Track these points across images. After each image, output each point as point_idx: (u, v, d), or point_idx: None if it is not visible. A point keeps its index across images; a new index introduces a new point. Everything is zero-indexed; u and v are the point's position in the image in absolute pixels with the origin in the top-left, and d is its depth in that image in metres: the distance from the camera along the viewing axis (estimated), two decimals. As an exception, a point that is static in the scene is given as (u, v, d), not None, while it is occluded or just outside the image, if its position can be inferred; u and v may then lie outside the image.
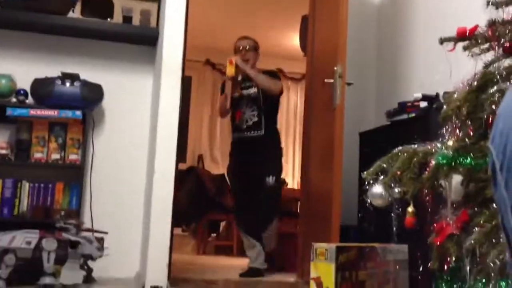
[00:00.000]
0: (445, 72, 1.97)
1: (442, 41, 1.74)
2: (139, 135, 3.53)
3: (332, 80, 3.11)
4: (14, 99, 3.23)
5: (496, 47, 1.56)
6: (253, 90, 3.87)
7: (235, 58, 3.76)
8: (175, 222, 3.10)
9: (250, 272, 3.64)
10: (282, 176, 4.35)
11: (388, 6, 4.06)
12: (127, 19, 3.41)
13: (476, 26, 1.66)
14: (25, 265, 2.69)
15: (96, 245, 2.89)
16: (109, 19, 3.39)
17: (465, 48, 1.70)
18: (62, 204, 3.23)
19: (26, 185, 3.21)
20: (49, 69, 3.33)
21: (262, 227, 3.75)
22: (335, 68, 3.06)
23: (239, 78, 3.85)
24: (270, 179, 3.75)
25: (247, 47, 3.88)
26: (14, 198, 3.18)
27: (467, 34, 1.66)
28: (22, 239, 2.67)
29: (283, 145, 4.13)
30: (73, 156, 3.27)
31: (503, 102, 0.80)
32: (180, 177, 4.50)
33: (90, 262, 2.94)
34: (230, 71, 3.69)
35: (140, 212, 3.42)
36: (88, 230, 3.07)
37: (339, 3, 3.13)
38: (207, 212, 5.46)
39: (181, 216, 4.40)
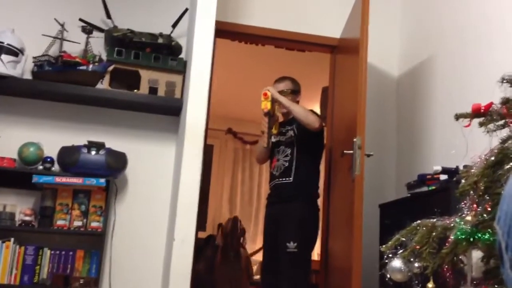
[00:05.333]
0: (463, 146, 1.99)
1: (457, 117, 1.77)
2: (161, 202, 3.56)
3: (351, 151, 3.13)
4: (40, 167, 3.31)
5: (511, 124, 1.59)
6: (290, 134, 3.48)
7: (270, 89, 3.41)
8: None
9: None
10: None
11: (407, 79, 4.13)
12: (153, 90, 3.50)
13: (491, 103, 1.70)
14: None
15: (113, 315, 2.87)
16: (135, 90, 3.50)
17: (481, 124, 1.72)
18: (82, 272, 3.24)
19: (47, 252, 3.23)
20: (77, 137, 3.43)
21: None
22: (355, 140, 3.09)
23: (278, 117, 3.53)
24: (291, 244, 3.16)
25: (283, 90, 3.49)
26: (35, 265, 3.20)
27: (481, 110, 1.69)
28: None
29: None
30: (95, 224, 3.30)
31: (508, 184, 0.81)
32: (199, 246, 4.47)
33: (106, 332, 2.91)
34: (265, 105, 3.36)
35: (159, 280, 3.40)
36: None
37: (358, 75, 3.20)
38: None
39: (199, 284, 4.34)
